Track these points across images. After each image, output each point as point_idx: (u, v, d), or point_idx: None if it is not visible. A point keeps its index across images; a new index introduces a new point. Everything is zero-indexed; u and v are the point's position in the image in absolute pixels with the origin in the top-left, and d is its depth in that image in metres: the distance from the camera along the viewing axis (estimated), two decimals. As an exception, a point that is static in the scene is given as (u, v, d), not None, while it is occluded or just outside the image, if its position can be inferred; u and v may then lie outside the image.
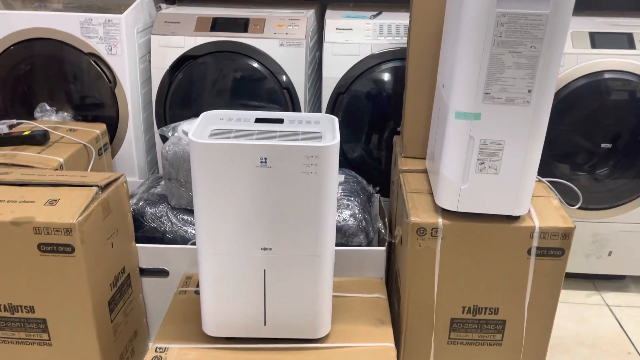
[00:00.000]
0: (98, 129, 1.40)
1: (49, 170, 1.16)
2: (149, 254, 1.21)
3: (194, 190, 0.91)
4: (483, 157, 0.92)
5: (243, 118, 0.98)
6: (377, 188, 1.42)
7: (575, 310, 1.54)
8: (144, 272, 1.23)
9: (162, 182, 1.39)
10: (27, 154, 1.21)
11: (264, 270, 0.96)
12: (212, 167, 0.88)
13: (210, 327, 1.02)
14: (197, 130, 0.90)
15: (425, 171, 1.17)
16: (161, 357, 0.98)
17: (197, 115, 1.44)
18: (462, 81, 0.89)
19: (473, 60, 0.86)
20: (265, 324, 1.00)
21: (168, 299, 1.26)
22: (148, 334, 1.31)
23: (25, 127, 1.32)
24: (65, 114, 1.47)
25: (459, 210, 0.96)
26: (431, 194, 1.07)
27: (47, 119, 1.44)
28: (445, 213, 0.99)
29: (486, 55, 0.85)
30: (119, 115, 1.49)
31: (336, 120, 0.97)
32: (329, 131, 0.93)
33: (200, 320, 1.06)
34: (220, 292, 0.98)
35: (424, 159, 1.21)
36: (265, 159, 0.87)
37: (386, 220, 1.31)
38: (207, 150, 0.87)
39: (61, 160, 1.21)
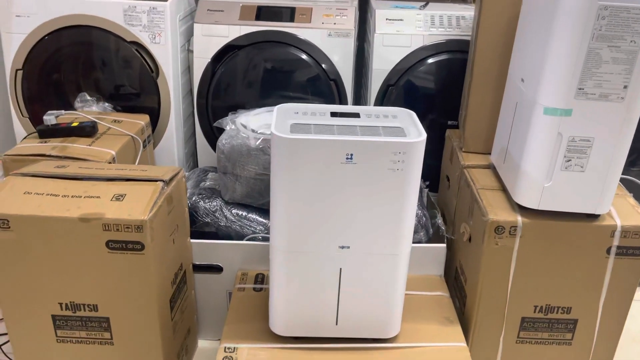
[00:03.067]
0: (142, 120, 1.36)
1: (105, 164, 1.12)
2: (203, 249, 1.18)
3: (272, 186, 0.88)
4: (570, 155, 0.89)
5: (318, 112, 0.94)
6: (427, 183, 1.40)
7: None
8: (196, 268, 1.19)
9: (210, 176, 1.35)
10: (78, 146, 1.17)
11: (340, 269, 0.93)
12: (295, 163, 0.85)
13: (279, 326, 0.99)
14: (277, 125, 0.87)
15: (489, 167, 1.14)
16: (231, 358, 0.95)
17: (241, 107, 1.41)
18: (553, 76, 0.86)
19: (568, 55, 0.83)
20: (336, 324, 0.98)
21: (219, 295, 1.24)
22: (197, 331, 1.28)
23: (71, 117, 1.28)
24: (106, 104, 1.42)
25: (541, 208, 0.94)
26: (503, 190, 1.05)
27: (88, 109, 1.39)
28: (524, 211, 0.97)
29: (583, 50, 0.82)
30: (160, 106, 1.45)
31: (414, 115, 0.94)
32: (410, 126, 0.90)
33: (265, 318, 1.04)
34: (293, 291, 0.95)
35: (486, 154, 1.18)
36: (351, 155, 0.84)
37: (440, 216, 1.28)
38: (292, 146, 0.84)
39: (113, 152, 1.17)
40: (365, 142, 0.84)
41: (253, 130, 1.15)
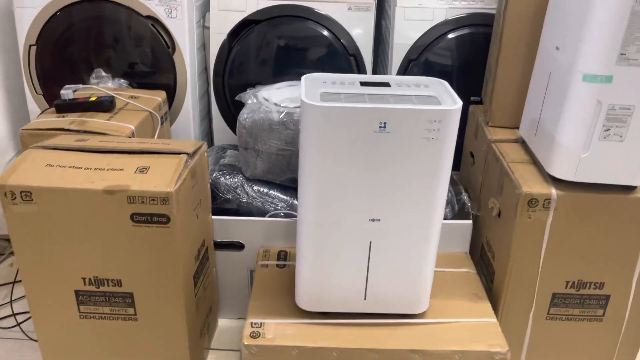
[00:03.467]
0: (159, 96, 1.33)
1: (125, 138, 1.09)
2: (224, 226, 1.16)
3: (301, 157, 0.86)
4: (609, 124, 0.86)
5: (347, 81, 0.92)
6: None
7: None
8: (217, 245, 1.17)
9: (229, 153, 1.33)
10: (97, 120, 1.14)
11: (370, 242, 0.91)
12: (326, 132, 0.82)
13: (306, 301, 0.97)
14: (307, 93, 0.84)
15: (517, 141, 1.12)
16: (258, 333, 0.94)
17: (258, 84, 1.38)
18: (593, 41, 0.83)
19: (610, 19, 0.80)
20: (365, 299, 0.96)
21: (240, 273, 1.22)
22: (218, 310, 1.26)
23: (87, 92, 1.25)
24: (122, 80, 1.39)
25: (577, 180, 0.92)
26: (534, 163, 1.02)
27: (103, 85, 1.36)
28: (558, 183, 0.94)
29: (626, 13, 0.79)
30: (176, 83, 1.42)
31: (447, 84, 0.92)
32: (444, 94, 0.87)
33: (290, 294, 1.02)
34: (321, 265, 0.93)
35: (514, 128, 1.15)
36: (385, 123, 0.81)
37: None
38: (324, 114, 0.81)
39: (132, 127, 1.14)
40: (400, 110, 0.81)
41: (275, 104, 1.12)
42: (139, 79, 1.44)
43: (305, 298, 0.97)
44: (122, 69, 1.44)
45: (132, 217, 0.90)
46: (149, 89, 1.39)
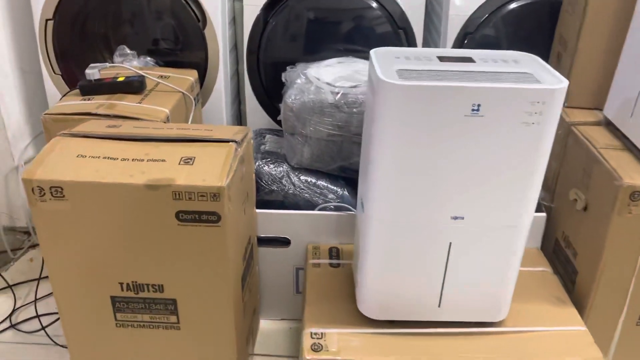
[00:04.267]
0: (191, 75, 1.20)
1: (162, 123, 0.97)
2: (269, 220, 1.04)
3: (372, 145, 0.74)
4: None
5: (423, 56, 0.79)
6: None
7: None
8: (260, 241, 1.06)
9: (268, 138, 1.21)
10: (127, 103, 1.02)
11: (450, 244, 0.79)
12: (407, 116, 0.70)
13: (371, 308, 0.86)
14: (382, 70, 0.72)
15: (600, 123, 0.99)
16: (320, 345, 0.83)
17: (297, 62, 1.25)
18: None
19: None
20: (439, 306, 0.85)
21: (284, 271, 1.11)
22: (260, 310, 1.16)
23: (114, 72, 1.13)
24: (148, 58, 1.27)
25: (689, 170, 0.79)
26: (628, 150, 0.90)
27: (128, 64, 1.24)
28: (664, 173, 0.82)
29: None
30: (207, 61, 1.29)
31: (539, 59, 0.79)
32: (540, 71, 0.74)
33: (348, 297, 0.91)
34: (390, 269, 0.82)
35: (594, 109, 1.03)
36: (479, 105, 0.69)
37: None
38: (406, 95, 0.69)
39: (167, 111, 1.02)
40: (498, 90, 0.68)
41: (328, 84, 0.99)
42: (166, 57, 1.31)
43: (370, 304, 0.86)
44: (147, 45, 1.32)
45: (177, 215, 0.78)
46: (177, 68, 1.26)
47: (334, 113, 0.99)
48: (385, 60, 0.77)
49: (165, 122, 1.00)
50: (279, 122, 1.20)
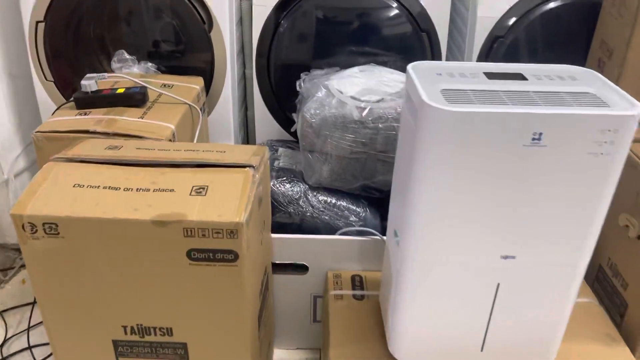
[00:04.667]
0: (197, 83, 1.10)
1: (168, 143, 0.88)
2: (285, 246, 0.95)
3: (411, 175, 0.64)
4: None
5: (467, 72, 0.69)
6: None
7: None
8: (275, 266, 0.97)
9: (282, 152, 1.11)
10: (128, 119, 0.92)
11: (498, 284, 0.70)
12: (457, 146, 0.61)
13: (405, 351, 0.77)
14: (426, 92, 0.62)
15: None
16: (350, 395, 0.74)
17: (310, 67, 1.15)
18: None
19: None
20: (482, 350, 0.76)
21: (301, 299, 1.02)
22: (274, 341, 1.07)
23: (109, 82, 1.03)
24: (149, 64, 1.16)
25: None
26: (688, 174, 0.81)
27: (127, 70, 1.13)
28: None
29: None
30: (214, 66, 1.19)
31: (601, 76, 0.69)
32: (605, 91, 0.65)
33: (377, 336, 0.82)
34: (429, 309, 0.73)
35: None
36: (540, 134, 0.60)
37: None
38: (457, 122, 0.59)
39: (172, 127, 0.92)
40: (563, 117, 0.59)
41: (353, 97, 0.90)
42: (168, 61, 1.21)
43: (404, 348, 0.77)
44: (147, 48, 1.21)
45: (189, 254, 0.69)
46: (181, 74, 1.16)
47: (358, 129, 0.90)
48: (426, 77, 0.67)
49: (170, 140, 0.90)
50: (292, 134, 1.11)
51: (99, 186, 0.71)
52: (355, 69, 0.99)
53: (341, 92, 0.90)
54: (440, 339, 0.75)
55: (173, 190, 0.71)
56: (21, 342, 1.08)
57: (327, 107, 0.90)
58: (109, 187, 0.71)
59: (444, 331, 0.74)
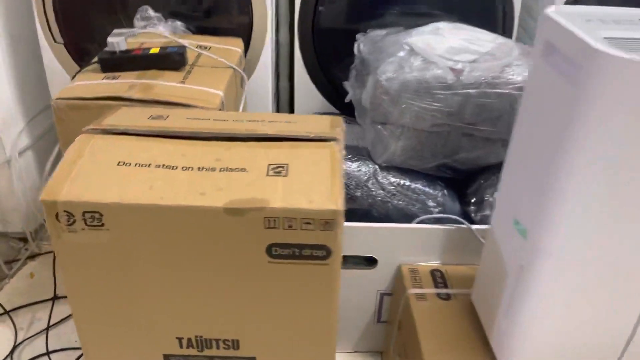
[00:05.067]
0: (237, 45, 0.94)
1: (221, 112, 0.72)
2: (352, 235, 0.81)
3: (564, 149, 0.50)
4: None
5: (623, 19, 0.55)
6: None
7: None
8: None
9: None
10: (167, 83, 0.76)
11: (652, 287, 0.57)
12: (634, 108, 0.46)
13: (521, 363, 0.64)
14: (592, 39, 0.48)
15: None
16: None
17: (358, 31, 1.00)
18: None
19: None
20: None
21: (366, 296, 0.88)
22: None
23: (140, 40, 0.86)
24: (178, 22, 1.00)
25: None
26: None
27: (152, 29, 0.97)
28: None
29: None
30: (252, 27, 1.03)
31: None
32: None
33: (478, 342, 0.69)
34: (563, 315, 0.59)
35: None
36: None
37: None
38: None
39: (221, 94, 0.76)
40: None
41: (441, 56, 0.74)
42: (198, 22, 1.04)
43: (523, 357, 0.64)
44: (173, 6, 1.04)
45: (269, 250, 0.54)
46: (215, 35, 1.00)
47: (446, 96, 0.75)
48: (577, 24, 0.52)
49: (220, 109, 0.75)
50: (342, 106, 0.96)
51: (149, 164, 0.56)
52: (431, 26, 0.83)
53: (428, 50, 0.75)
54: (571, 349, 0.61)
55: (245, 169, 0.56)
56: (34, 347, 0.93)
57: (407, 69, 0.75)
58: (163, 165, 0.56)
59: (578, 340, 0.61)
